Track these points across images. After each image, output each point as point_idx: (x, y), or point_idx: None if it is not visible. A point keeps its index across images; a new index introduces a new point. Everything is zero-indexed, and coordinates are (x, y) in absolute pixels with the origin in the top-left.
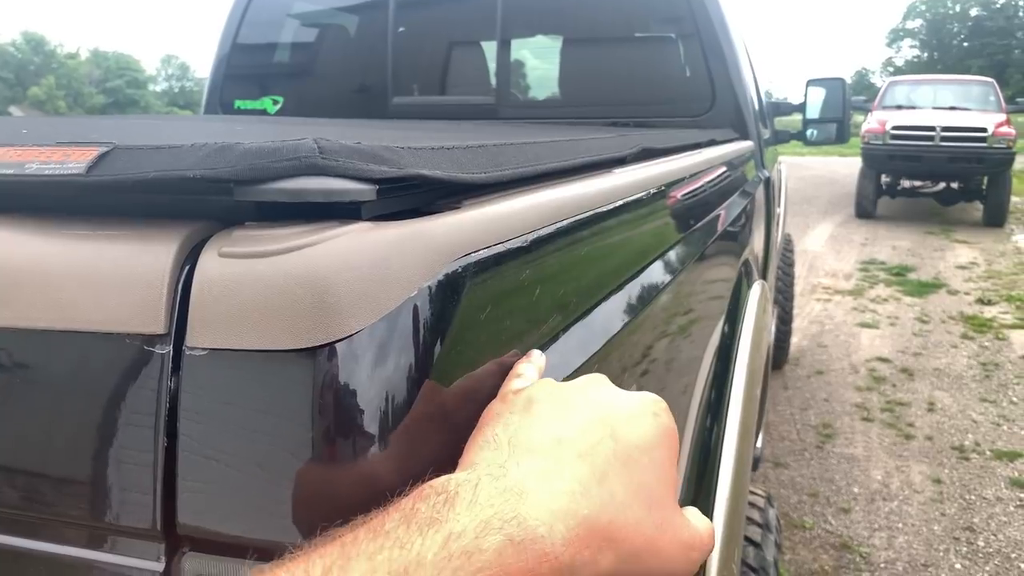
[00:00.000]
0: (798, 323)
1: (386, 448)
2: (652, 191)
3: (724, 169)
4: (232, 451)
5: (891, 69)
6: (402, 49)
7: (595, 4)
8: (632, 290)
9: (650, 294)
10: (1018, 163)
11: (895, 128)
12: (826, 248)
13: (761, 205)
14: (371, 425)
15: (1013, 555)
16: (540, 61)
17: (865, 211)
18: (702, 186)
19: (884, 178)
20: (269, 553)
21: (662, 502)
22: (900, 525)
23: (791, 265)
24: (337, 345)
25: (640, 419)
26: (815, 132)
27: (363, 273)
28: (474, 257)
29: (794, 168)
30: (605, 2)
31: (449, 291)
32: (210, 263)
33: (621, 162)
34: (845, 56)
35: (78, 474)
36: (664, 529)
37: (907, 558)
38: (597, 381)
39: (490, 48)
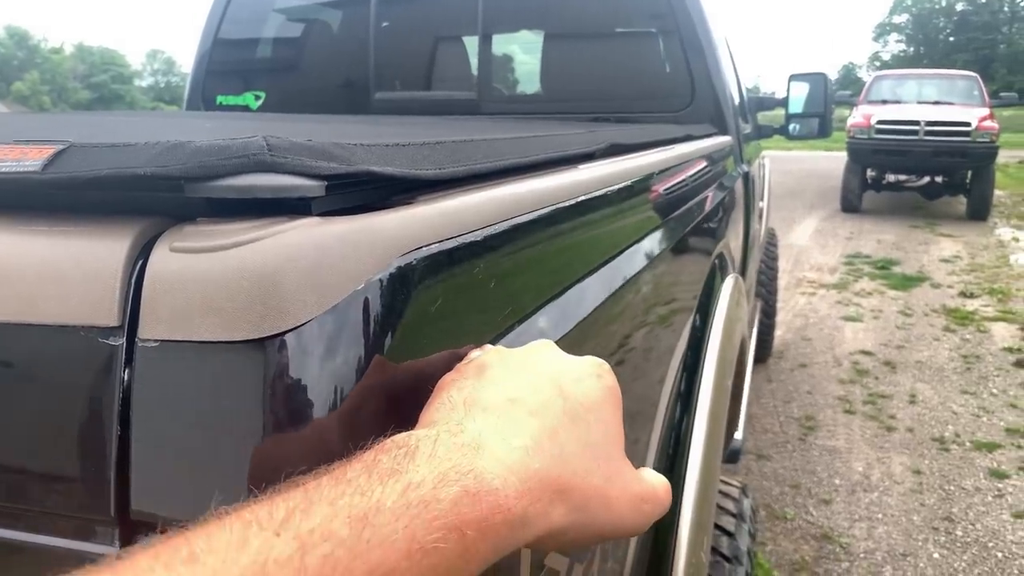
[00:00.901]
0: (783, 316)
1: (336, 435)
2: (617, 187)
3: (697, 165)
4: (184, 439)
5: (878, 63)
6: (384, 45)
7: (576, 0)
8: (595, 284)
9: (615, 288)
10: (1001, 157)
11: (880, 123)
12: (811, 242)
13: (739, 200)
14: (320, 413)
15: (990, 544)
16: (522, 57)
17: (851, 205)
18: (672, 182)
19: (869, 172)
20: None
21: (609, 456)
22: (880, 515)
23: (775, 259)
24: (284, 336)
25: (586, 380)
26: (797, 127)
27: (310, 266)
28: (425, 251)
29: (781, 162)
30: None
31: (398, 284)
32: (161, 258)
33: (587, 158)
34: (833, 50)
35: (35, 462)
36: (613, 481)
37: (886, 548)
38: (544, 345)
39: (472, 44)
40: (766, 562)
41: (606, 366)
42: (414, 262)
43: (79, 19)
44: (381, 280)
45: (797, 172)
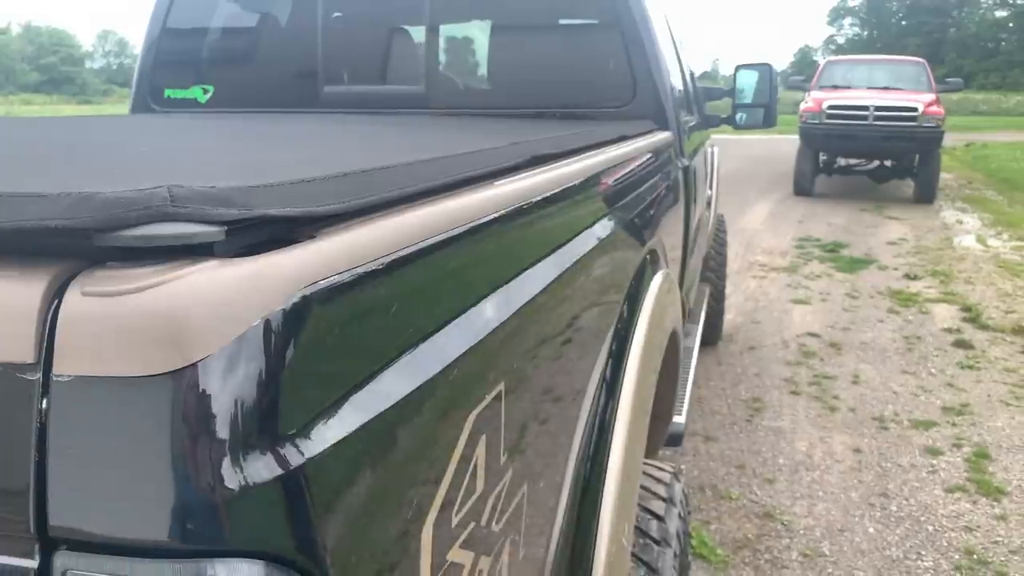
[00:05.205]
0: (734, 300)
1: (233, 459)
2: (537, 199)
3: (627, 167)
4: (97, 463)
5: (833, 47)
6: (333, 38)
7: None
8: (513, 292)
9: (534, 294)
10: (949, 140)
11: (831, 107)
12: (764, 226)
13: (677, 194)
14: (220, 438)
15: (922, 518)
16: (471, 50)
17: (803, 189)
18: (597, 188)
19: (821, 156)
20: (129, 548)
21: None
22: (820, 493)
23: (724, 245)
24: (186, 370)
25: None
26: (744, 116)
27: (211, 306)
28: (324, 284)
29: (738, 147)
30: None
31: (298, 317)
32: (74, 301)
33: (504, 174)
34: (789, 33)
35: None
36: None
37: (825, 524)
38: None
39: (422, 37)
40: (710, 540)
41: None
42: (313, 295)
43: None
44: (280, 314)
45: (753, 156)
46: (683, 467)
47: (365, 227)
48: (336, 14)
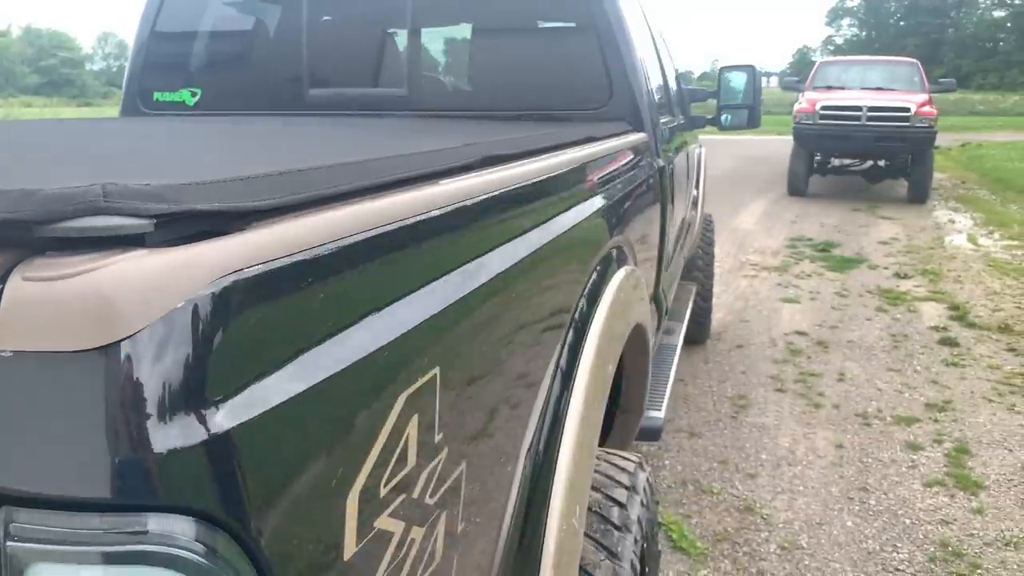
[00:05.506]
0: (725, 299)
1: (158, 423)
2: (481, 197)
3: (589, 166)
4: (35, 428)
5: (831, 47)
6: (318, 41)
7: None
8: (452, 282)
9: (477, 284)
10: (945, 140)
11: (824, 108)
12: (758, 226)
13: (651, 194)
14: (145, 406)
15: (900, 512)
16: (452, 54)
17: (797, 189)
18: (553, 187)
19: (816, 156)
20: (67, 504)
21: None
22: (801, 488)
23: (711, 244)
24: (113, 346)
25: None
26: (729, 117)
27: (136, 290)
28: (249, 272)
29: (735, 147)
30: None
31: (221, 300)
32: (15, 286)
33: (453, 172)
34: (788, 34)
35: None
36: None
37: (804, 518)
38: None
39: (405, 40)
40: (690, 533)
41: None
42: (238, 281)
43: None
44: (208, 297)
45: (749, 156)
46: (666, 462)
47: (296, 221)
48: (318, 20)
